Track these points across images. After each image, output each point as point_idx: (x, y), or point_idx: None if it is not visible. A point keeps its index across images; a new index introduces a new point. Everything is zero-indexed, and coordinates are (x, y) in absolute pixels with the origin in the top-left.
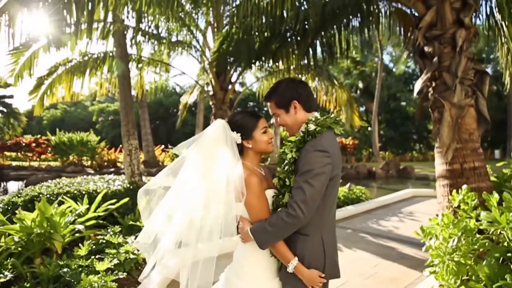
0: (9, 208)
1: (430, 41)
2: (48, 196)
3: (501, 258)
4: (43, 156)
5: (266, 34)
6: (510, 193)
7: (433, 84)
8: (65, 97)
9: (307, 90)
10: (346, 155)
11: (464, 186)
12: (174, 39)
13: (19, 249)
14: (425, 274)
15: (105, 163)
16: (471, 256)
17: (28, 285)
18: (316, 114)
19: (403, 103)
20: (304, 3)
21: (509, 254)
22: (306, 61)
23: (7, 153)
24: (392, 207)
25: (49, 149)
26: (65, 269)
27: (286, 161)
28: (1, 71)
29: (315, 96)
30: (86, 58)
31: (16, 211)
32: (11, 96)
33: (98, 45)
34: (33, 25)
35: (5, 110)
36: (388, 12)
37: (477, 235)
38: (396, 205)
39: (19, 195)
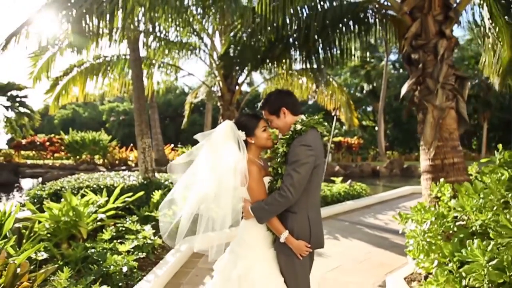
0: (36, 200)
1: (416, 49)
2: (70, 189)
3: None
4: (56, 155)
5: (271, 39)
6: (473, 184)
7: (418, 88)
8: (78, 97)
9: (293, 98)
10: (351, 155)
11: (442, 180)
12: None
13: (48, 235)
14: (409, 258)
15: (117, 162)
16: (440, 237)
17: (61, 263)
18: (302, 116)
19: None
20: (306, 8)
21: (474, 236)
22: (308, 65)
23: (22, 152)
24: (390, 203)
25: (63, 147)
26: (92, 250)
27: (278, 155)
28: (20, 75)
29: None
30: (99, 60)
31: (45, 202)
32: (25, 96)
33: (111, 47)
34: (55, 33)
35: (27, 110)
36: (384, 19)
37: (445, 219)
38: (395, 201)
39: (43, 189)
